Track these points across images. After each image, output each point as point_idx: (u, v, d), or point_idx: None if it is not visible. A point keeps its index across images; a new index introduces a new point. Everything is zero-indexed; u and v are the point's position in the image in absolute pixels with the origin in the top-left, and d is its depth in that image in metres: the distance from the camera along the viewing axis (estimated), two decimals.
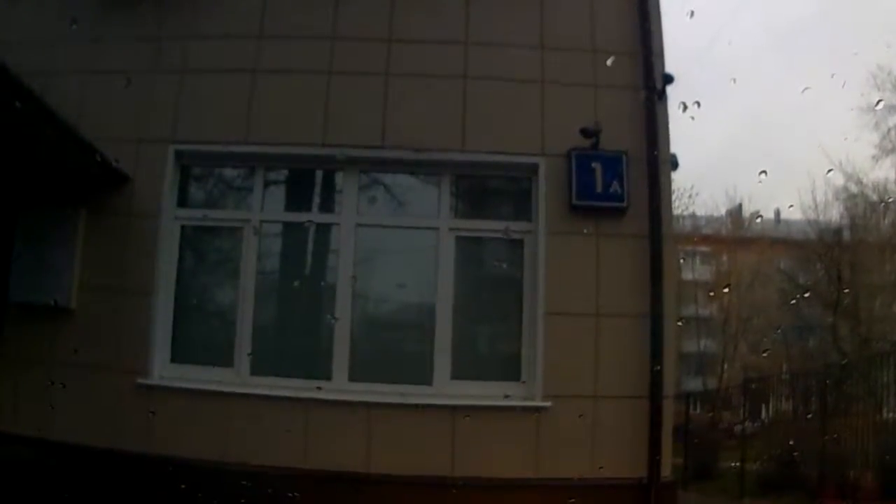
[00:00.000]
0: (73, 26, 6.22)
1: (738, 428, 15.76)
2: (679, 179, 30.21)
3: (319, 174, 6.88)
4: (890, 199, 22.18)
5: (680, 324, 13.29)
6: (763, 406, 16.00)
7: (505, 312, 6.65)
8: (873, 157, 24.30)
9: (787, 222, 29.61)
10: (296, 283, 6.82)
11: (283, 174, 6.91)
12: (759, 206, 32.11)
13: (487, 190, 6.99)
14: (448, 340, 6.30)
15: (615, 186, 6.31)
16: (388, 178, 6.77)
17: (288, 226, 6.80)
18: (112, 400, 5.99)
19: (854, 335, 21.91)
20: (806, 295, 23.73)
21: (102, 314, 6.22)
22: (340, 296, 6.37)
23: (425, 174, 6.73)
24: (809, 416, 12.26)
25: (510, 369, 6.29)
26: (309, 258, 7.00)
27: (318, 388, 6.06)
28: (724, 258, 32.13)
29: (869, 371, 11.45)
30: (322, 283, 6.66)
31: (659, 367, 6.04)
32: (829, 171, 25.77)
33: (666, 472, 6.14)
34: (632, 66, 6.53)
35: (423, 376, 6.27)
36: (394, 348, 6.80)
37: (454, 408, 6.03)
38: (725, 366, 28.93)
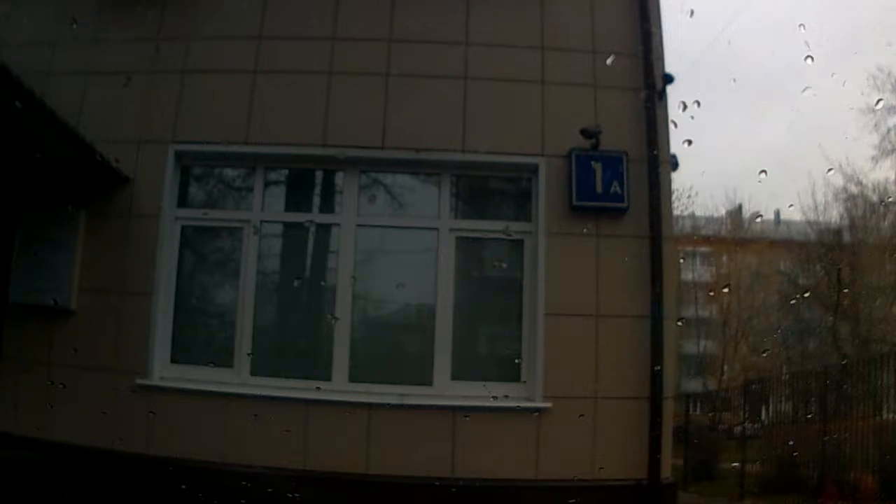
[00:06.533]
0: (73, 26, 6.23)
1: (737, 429, 15.76)
2: (679, 180, 30.32)
3: (319, 174, 6.89)
4: (890, 200, 22.20)
5: (680, 324, 13.26)
6: (763, 407, 15.95)
7: (505, 313, 6.65)
8: (873, 157, 24.36)
9: (787, 223, 29.69)
10: (296, 284, 6.80)
11: (283, 174, 6.90)
12: (759, 206, 32.10)
13: (487, 190, 6.98)
14: (448, 341, 6.30)
15: (615, 187, 6.31)
16: (388, 179, 6.77)
17: (288, 226, 6.81)
18: (112, 400, 5.97)
19: (854, 336, 21.88)
20: (806, 296, 23.69)
21: (102, 315, 6.22)
22: (340, 296, 6.36)
23: (425, 174, 6.74)
24: (809, 417, 12.24)
25: (510, 370, 6.28)
26: (309, 258, 7.00)
27: (318, 389, 6.06)
28: (724, 259, 32.11)
29: (869, 372, 11.43)
30: (322, 284, 6.65)
31: (659, 368, 6.04)
32: (829, 170, 25.81)
33: (666, 472, 6.15)
34: (632, 66, 6.54)
35: (424, 377, 6.27)
36: (394, 349, 6.81)
37: (454, 408, 6.03)
38: (725, 367, 28.90)
